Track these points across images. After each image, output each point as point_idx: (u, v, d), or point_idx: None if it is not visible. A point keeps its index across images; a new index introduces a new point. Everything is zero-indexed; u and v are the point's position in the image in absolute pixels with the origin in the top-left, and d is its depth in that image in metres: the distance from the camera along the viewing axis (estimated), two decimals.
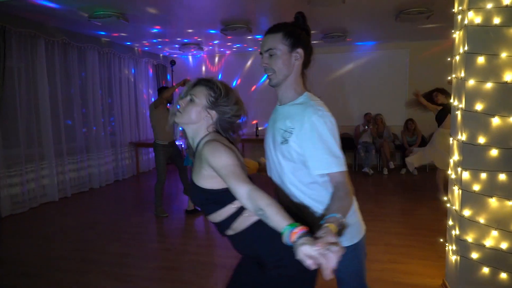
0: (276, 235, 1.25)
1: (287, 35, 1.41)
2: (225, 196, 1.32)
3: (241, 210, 1.34)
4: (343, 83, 7.81)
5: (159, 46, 7.41)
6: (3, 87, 4.55)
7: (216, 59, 8.49)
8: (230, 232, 1.39)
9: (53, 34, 5.31)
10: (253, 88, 8.36)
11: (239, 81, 8.45)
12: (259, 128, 8.17)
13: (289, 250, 1.26)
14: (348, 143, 7.72)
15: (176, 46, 7.27)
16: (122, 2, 4.36)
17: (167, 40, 6.72)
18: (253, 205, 1.16)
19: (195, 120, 1.40)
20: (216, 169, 1.27)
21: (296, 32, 1.43)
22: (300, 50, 1.43)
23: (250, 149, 8.49)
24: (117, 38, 6.50)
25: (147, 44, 7.10)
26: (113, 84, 6.85)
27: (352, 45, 7.54)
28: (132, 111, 7.43)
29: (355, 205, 1.50)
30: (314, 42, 7.06)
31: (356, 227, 1.51)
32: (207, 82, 1.44)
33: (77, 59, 5.93)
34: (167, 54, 8.34)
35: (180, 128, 1.51)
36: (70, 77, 5.86)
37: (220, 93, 1.41)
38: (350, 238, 1.48)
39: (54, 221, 4.66)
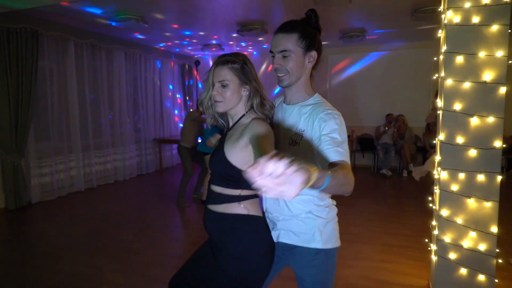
0: (250, 235, 1.40)
1: (303, 37, 1.35)
2: (240, 179, 1.35)
3: (242, 198, 1.40)
4: (364, 83, 7.72)
5: (186, 47, 7.71)
6: (36, 86, 5.00)
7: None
8: (216, 208, 1.44)
9: (82, 36, 5.74)
10: (275, 87, 8.46)
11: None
12: None
13: (250, 253, 1.40)
14: (367, 144, 7.65)
15: (199, 47, 7.55)
16: (143, 6, 4.66)
17: (188, 40, 6.99)
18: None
19: (237, 101, 1.43)
20: (256, 135, 1.29)
21: (311, 34, 1.37)
22: (314, 53, 1.39)
23: None
24: (143, 40, 6.87)
25: (171, 44, 7.43)
26: (138, 83, 7.24)
27: (373, 45, 7.44)
28: (157, 109, 7.80)
29: (335, 210, 1.50)
30: (325, 42, 7.06)
31: (332, 233, 1.45)
32: (223, 62, 1.42)
33: (104, 60, 6.35)
34: (192, 54, 8.65)
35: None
36: (98, 77, 6.28)
37: (240, 59, 1.42)
38: (324, 242, 1.41)
39: (79, 210, 5.06)
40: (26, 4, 4.04)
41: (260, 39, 6.61)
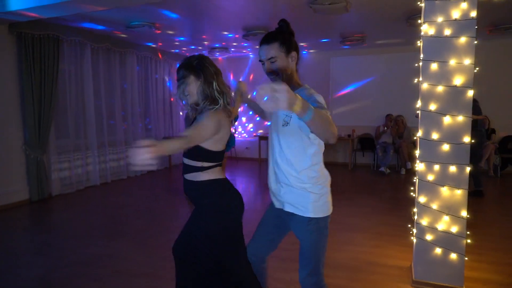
0: (220, 194, 1.83)
1: (282, 43, 1.66)
2: (199, 154, 1.79)
3: (204, 168, 1.81)
4: (364, 85, 8.04)
5: (194, 50, 8.11)
6: (57, 87, 5.42)
7: (243, 61, 9.06)
8: (188, 177, 1.86)
9: (98, 41, 6.15)
10: None
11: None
12: None
13: (224, 208, 1.82)
14: (368, 143, 7.97)
15: (206, 50, 7.93)
16: (155, 13, 5.05)
17: (196, 44, 7.38)
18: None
19: (195, 95, 1.85)
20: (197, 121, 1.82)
21: (287, 39, 1.69)
22: (294, 53, 1.70)
23: None
24: (154, 44, 7.27)
25: (179, 48, 7.82)
26: (149, 85, 7.65)
27: (372, 48, 7.76)
28: (166, 109, 8.21)
29: (327, 187, 1.78)
30: (326, 46, 7.36)
31: (324, 205, 1.75)
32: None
33: (118, 63, 6.76)
34: None
35: None
36: (112, 78, 6.70)
37: (195, 58, 1.89)
38: (315, 210, 1.71)
39: (95, 201, 5.47)
40: (49, 14, 4.45)
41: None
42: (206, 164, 1.82)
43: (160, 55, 7.82)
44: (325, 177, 1.80)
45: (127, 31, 5.82)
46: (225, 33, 6.34)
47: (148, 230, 4.09)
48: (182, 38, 6.76)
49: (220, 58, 9.08)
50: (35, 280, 2.93)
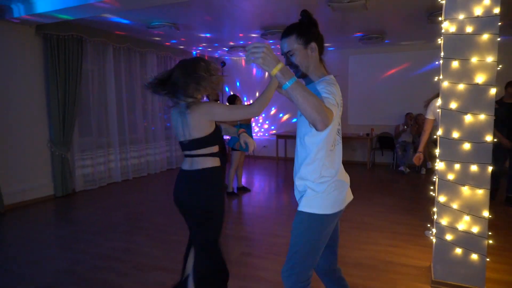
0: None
1: (299, 35, 1.61)
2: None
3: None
4: (384, 83, 7.94)
5: (210, 49, 8.20)
6: (80, 86, 5.59)
7: None
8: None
9: (119, 41, 6.30)
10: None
11: None
12: None
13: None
14: (387, 142, 7.87)
15: (225, 49, 8.00)
16: (175, 13, 5.13)
17: (215, 43, 7.46)
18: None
19: None
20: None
21: (305, 30, 1.63)
22: (313, 44, 1.63)
23: (292, 145, 8.98)
24: (173, 43, 7.39)
25: (199, 47, 7.92)
26: None
27: (392, 46, 7.65)
28: None
29: (331, 187, 1.64)
30: (344, 44, 7.30)
31: (320, 200, 1.62)
32: None
33: (139, 62, 6.91)
34: (218, 55, 9.12)
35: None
36: (133, 78, 6.85)
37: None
38: (309, 205, 1.63)
39: (117, 198, 5.62)
40: (74, 15, 4.60)
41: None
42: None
43: (180, 55, 7.93)
44: (330, 177, 1.65)
45: (148, 31, 5.94)
46: (243, 33, 6.38)
47: (168, 226, 4.18)
48: (202, 37, 6.84)
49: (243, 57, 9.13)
50: (60, 273, 3.05)
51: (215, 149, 2.11)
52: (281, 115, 9.07)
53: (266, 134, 9.27)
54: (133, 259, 3.29)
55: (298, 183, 1.71)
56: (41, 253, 3.45)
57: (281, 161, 8.77)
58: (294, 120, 8.75)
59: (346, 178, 1.79)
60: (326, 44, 6.80)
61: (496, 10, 2.37)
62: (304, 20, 1.66)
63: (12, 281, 2.93)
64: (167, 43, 7.36)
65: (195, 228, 2.15)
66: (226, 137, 5.48)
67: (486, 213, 2.52)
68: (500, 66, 2.45)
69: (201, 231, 2.12)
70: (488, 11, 2.39)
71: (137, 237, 3.82)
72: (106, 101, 6.29)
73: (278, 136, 8.61)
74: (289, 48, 1.63)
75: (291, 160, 8.84)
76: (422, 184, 6.27)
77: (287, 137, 8.65)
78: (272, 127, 9.13)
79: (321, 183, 1.64)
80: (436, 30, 5.94)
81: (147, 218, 4.51)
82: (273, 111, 9.03)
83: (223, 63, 8.82)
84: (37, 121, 5.25)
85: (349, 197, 1.81)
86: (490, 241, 2.54)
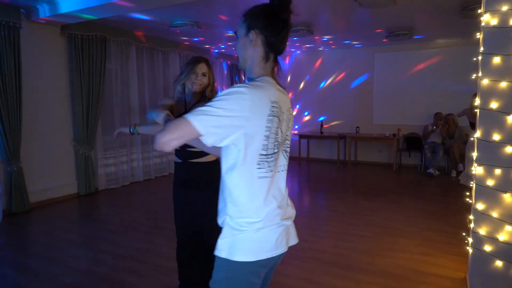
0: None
1: (245, 18, 1.31)
2: None
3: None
4: (411, 81, 7.64)
5: (233, 48, 8.12)
6: (104, 85, 5.63)
7: (287, 58, 8.94)
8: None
9: (142, 40, 6.32)
10: (320, 83, 8.62)
11: (307, 79, 8.79)
12: (324, 126, 8.39)
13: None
14: (414, 143, 7.57)
15: None
16: (197, 12, 5.08)
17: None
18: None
19: None
20: None
21: (254, 14, 1.29)
22: (253, 34, 1.26)
23: (315, 145, 8.80)
24: (195, 42, 7.36)
25: (221, 46, 7.86)
26: None
27: (420, 42, 7.34)
28: None
29: (257, 227, 1.20)
30: (369, 41, 7.05)
31: (240, 242, 1.20)
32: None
33: (161, 61, 6.91)
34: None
35: None
36: (155, 77, 6.86)
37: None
38: (222, 248, 1.22)
39: (139, 197, 5.63)
40: (98, 15, 4.61)
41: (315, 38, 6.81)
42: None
43: (202, 54, 7.90)
44: (255, 212, 1.20)
45: (170, 30, 5.92)
46: None
47: None
48: (223, 35, 6.77)
49: None
50: (81, 273, 3.03)
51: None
52: (306, 113, 8.90)
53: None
54: (153, 260, 3.24)
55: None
56: (63, 252, 3.46)
57: (303, 162, 8.60)
58: (321, 118, 8.56)
59: (284, 215, 1.30)
60: (351, 42, 6.53)
61: None
62: (275, 1, 1.26)
63: (33, 279, 2.94)
64: (188, 43, 7.34)
65: None
66: None
67: None
68: None
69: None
70: None
71: (157, 238, 3.78)
72: (129, 99, 6.31)
73: (301, 136, 8.44)
74: (236, 29, 1.35)
75: (314, 161, 8.67)
76: (453, 188, 5.96)
77: (310, 137, 8.48)
78: (296, 126, 8.97)
79: (239, 220, 1.21)
80: (469, 25, 5.65)
81: (167, 218, 4.46)
82: (295, 111, 8.86)
83: None
84: (62, 120, 5.32)
85: (291, 240, 1.35)
86: None
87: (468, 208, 2.62)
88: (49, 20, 4.80)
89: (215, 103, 1.10)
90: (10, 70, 4.44)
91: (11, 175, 4.57)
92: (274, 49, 1.28)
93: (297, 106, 8.90)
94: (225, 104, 1.10)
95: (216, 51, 8.38)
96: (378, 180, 6.67)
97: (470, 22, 5.38)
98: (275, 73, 1.32)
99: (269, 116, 1.18)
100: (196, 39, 7.02)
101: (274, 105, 1.20)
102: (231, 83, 9.08)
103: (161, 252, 3.41)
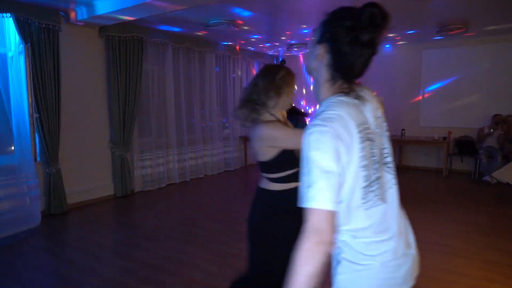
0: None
1: (319, 26, 1.11)
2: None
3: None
4: (464, 79, 6.99)
5: (272, 47, 7.87)
6: (140, 87, 5.60)
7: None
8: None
9: (178, 41, 6.23)
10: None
11: None
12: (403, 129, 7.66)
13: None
14: (468, 147, 6.92)
15: (280, 48, 7.63)
16: (232, 10, 4.88)
17: (274, 41, 7.12)
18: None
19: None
20: None
21: (330, 24, 1.06)
22: (320, 48, 1.07)
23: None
24: (231, 42, 7.19)
25: (257, 45, 7.63)
26: (227, 83, 7.61)
27: (475, 38, 6.68)
28: None
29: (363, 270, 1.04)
30: (419, 37, 6.50)
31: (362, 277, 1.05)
32: None
33: (197, 62, 6.81)
34: (276, 53, 8.75)
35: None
36: (191, 78, 6.76)
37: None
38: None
39: (174, 200, 5.55)
40: (133, 15, 4.54)
41: None
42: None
43: (238, 54, 7.73)
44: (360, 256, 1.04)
45: (206, 30, 5.78)
46: (305, 26, 5.95)
47: (223, 236, 3.93)
48: (259, 36, 6.55)
49: (300, 54, 8.70)
50: (109, 282, 2.92)
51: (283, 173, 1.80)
52: None
53: None
54: (185, 272, 3.07)
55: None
56: (94, 258, 3.38)
57: None
58: None
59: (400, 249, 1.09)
60: (395, 38, 6.02)
61: None
62: (365, 12, 0.99)
63: (60, 287, 2.86)
64: (225, 42, 7.18)
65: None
66: None
67: None
68: None
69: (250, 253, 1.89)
70: None
71: (192, 248, 3.60)
72: (165, 101, 6.25)
73: None
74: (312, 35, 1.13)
75: None
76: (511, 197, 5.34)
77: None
78: None
79: (347, 261, 1.06)
80: None
81: (202, 225, 4.30)
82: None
83: (283, 62, 8.44)
84: (99, 122, 5.34)
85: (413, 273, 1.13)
86: None
87: None
88: (87, 22, 4.80)
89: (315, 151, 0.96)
90: (49, 73, 4.47)
91: (50, 177, 4.61)
92: (342, 73, 1.06)
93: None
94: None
95: (253, 48, 8.16)
96: (426, 187, 6.14)
97: None
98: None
99: (359, 144, 1.01)
100: (229, 38, 6.84)
101: (360, 128, 1.02)
102: None
103: (195, 264, 3.22)
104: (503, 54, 6.60)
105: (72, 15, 4.64)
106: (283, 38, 6.88)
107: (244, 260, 3.11)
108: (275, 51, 8.33)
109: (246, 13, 5.04)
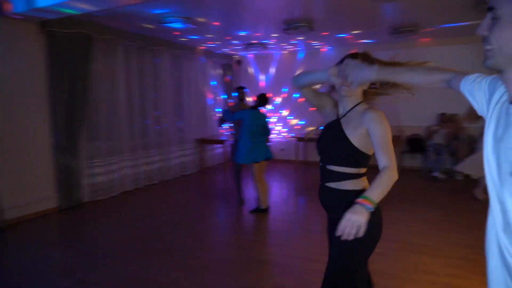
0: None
1: None
2: (362, 159, 1.69)
3: (359, 175, 1.68)
4: None
5: (229, 47, 7.69)
6: (88, 87, 5.13)
7: (287, 57, 8.55)
8: (332, 185, 1.71)
9: (130, 39, 5.83)
10: None
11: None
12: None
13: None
14: (417, 144, 7.28)
15: (239, 47, 7.48)
16: (189, 7, 4.64)
17: (230, 40, 6.95)
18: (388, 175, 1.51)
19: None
20: (375, 135, 1.58)
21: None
22: None
23: (313, 148, 8.42)
24: (187, 41, 6.89)
25: (214, 45, 7.41)
26: (182, 84, 7.30)
27: (424, 40, 7.05)
28: (199, 109, 7.83)
29: None
30: (371, 40, 6.72)
31: None
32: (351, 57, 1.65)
33: (150, 61, 6.44)
34: (232, 53, 8.59)
35: None
36: (144, 78, 6.37)
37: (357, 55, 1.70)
38: None
39: (128, 209, 5.15)
40: (80, 10, 4.13)
41: (301, 37, 6.43)
42: (362, 171, 1.73)
43: (194, 53, 7.44)
44: None
45: (160, 27, 5.46)
46: (261, 27, 5.85)
47: (187, 246, 3.69)
48: (216, 35, 6.34)
49: (274, 54, 8.60)
50: None
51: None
52: (292, 117, 8.53)
53: (291, 135, 8.72)
54: None
55: None
56: (42, 285, 2.98)
57: (301, 165, 8.21)
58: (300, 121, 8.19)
59: None
60: (349, 41, 6.01)
61: None
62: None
63: None
64: (180, 41, 6.87)
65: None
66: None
67: None
68: None
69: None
70: None
71: (153, 262, 3.32)
72: (116, 102, 5.80)
73: (299, 139, 8.02)
74: (494, 4, 0.93)
75: (311, 164, 8.26)
76: (464, 193, 5.61)
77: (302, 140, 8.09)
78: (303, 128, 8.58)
79: None
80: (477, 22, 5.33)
81: (162, 236, 4.01)
82: (277, 115, 8.48)
83: (239, 62, 8.32)
84: (39, 127, 4.80)
85: None
86: None
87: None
88: (26, 16, 4.29)
89: None
90: None
91: None
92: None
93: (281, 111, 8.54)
94: None
95: (204, 45, 7.93)
96: None
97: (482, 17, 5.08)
98: None
99: None
100: (185, 37, 6.55)
101: None
102: (225, 85, 8.64)
103: (159, 283, 2.95)
104: (448, 57, 7.02)
105: (8, 7, 4.11)
106: (240, 37, 6.74)
107: (215, 272, 2.92)
108: (231, 49, 8.14)
109: (202, 10, 4.82)
